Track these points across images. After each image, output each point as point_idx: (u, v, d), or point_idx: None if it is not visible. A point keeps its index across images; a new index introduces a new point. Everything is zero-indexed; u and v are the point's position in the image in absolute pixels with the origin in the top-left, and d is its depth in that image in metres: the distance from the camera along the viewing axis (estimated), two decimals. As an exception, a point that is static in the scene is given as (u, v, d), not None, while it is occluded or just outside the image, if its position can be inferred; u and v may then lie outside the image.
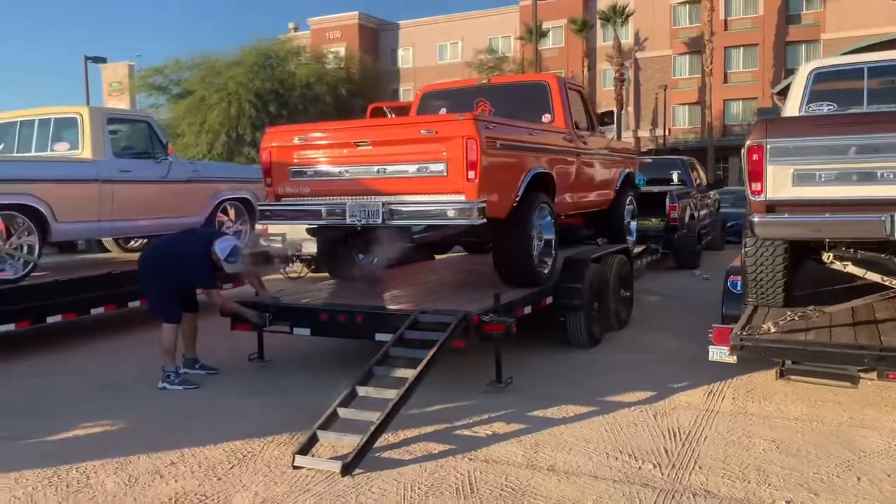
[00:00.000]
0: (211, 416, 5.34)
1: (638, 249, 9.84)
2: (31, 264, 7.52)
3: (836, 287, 6.14)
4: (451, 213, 5.69)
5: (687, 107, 45.75)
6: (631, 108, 47.00)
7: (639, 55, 46.51)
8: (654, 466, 4.24)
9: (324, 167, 6.31)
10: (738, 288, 6.30)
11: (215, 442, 4.74)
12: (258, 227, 10.57)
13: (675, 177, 14.19)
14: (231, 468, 4.34)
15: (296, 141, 6.40)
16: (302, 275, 12.03)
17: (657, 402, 5.43)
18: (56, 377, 6.58)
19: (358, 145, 6.10)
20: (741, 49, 43.88)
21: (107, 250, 10.56)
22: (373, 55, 50.58)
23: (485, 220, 5.73)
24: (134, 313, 8.45)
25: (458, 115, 5.83)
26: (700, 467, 4.21)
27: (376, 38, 54.67)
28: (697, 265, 13.15)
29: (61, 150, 8.34)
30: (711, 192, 16.31)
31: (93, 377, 6.51)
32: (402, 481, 4.08)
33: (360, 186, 6.13)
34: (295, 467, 4.28)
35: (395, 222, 5.94)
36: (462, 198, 5.72)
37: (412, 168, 5.94)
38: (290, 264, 11.58)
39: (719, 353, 5.37)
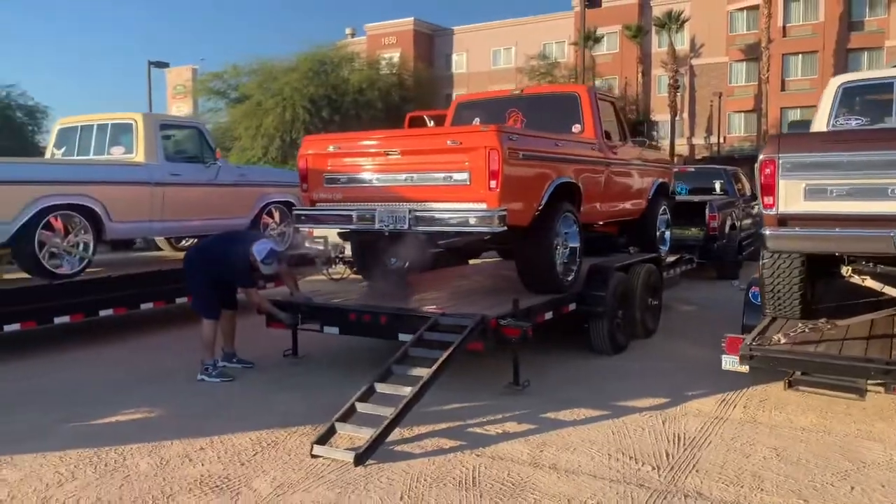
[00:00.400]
0: (242, 407, 5.69)
1: (671, 259, 9.93)
2: (87, 261, 8.04)
3: (858, 301, 6.18)
4: (472, 221, 5.95)
5: (743, 114, 45.02)
6: (686, 115, 46.46)
7: (694, 62, 45.95)
8: (653, 468, 4.41)
9: (355, 174, 6.63)
10: (758, 299, 6.39)
11: (243, 430, 5.08)
12: (304, 229, 10.99)
13: (717, 186, 14.11)
14: (254, 455, 4.67)
15: (330, 149, 6.74)
16: (344, 276, 12.40)
17: (668, 409, 5.57)
18: (104, 367, 7.05)
19: (387, 154, 6.41)
20: (800, 56, 42.98)
21: (159, 249, 11.12)
22: (427, 60, 51.16)
23: (505, 228, 5.96)
24: (181, 309, 8.90)
25: (481, 127, 6.08)
26: (697, 471, 4.36)
27: (431, 44, 55.25)
28: (737, 276, 13.04)
29: (117, 154, 8.87)
30: (756, 203, 16.14)
31: (137, 368, 6.96)
32: (410, 472, 4.34)
33: (388, 193, 6.43)
34: (313, 456, 4.58)
35: (420, 228, 6.22)
36: (484, 206, 5.96)
37: (438, 176, 6.21)
38: (333, 266, 11.95)
39: (731, 363, 5.50)
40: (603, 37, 46.16)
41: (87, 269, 8.11)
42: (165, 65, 31.48)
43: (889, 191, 4.85)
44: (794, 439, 4.89)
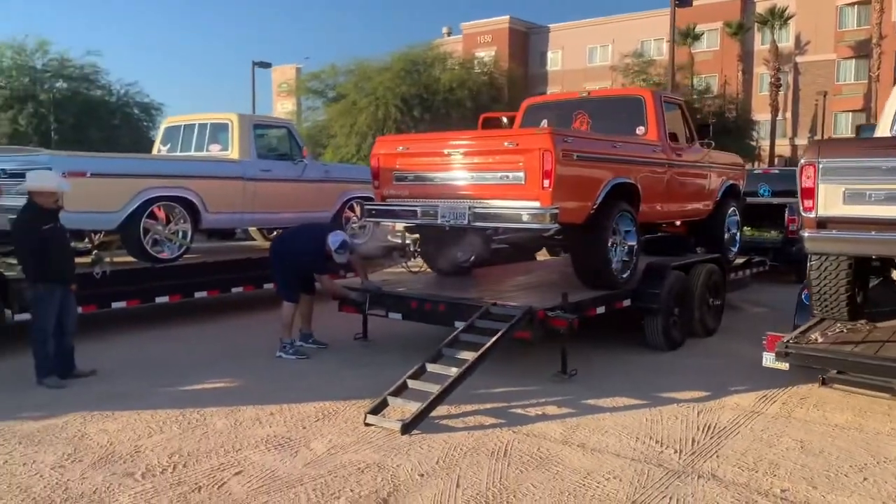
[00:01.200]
0: (312, 381, 6.31)
1: (739, 261, 9.99)
2: (185, 247, 8.91)
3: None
4: (525, 218, 6.36)
5: (850, 114, 43.04)
6: (788, 115, 44.84)
7: (799, 59, 44.28)
8: (675, 452, 4.71)
9: (421, 173, 7.14)
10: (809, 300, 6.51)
11: (309, 401, 5.68)
12: (386, 223, 11.61)
13: (800, 189, 13.85)
14: (316, 421, 5.25)
15: (399, 149, 7.29)
16: (422, 269, 12.97)
17: (707, 402, 5.81)
18: (196, 342, 7.86)
19: (450, 154, 6.89)
20: (914, 53, 40.70)
21: (252, 239, 12.02)
22: (522, 59, 51.35)
23: (556, 226, 6.33)
24: (268, 293, 9.68)
25: (536, 129, 6.48)
26: (717, 456, 4.64)
27: (526, 42, 55.38)
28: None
29: (215, 150, 9.73)
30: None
31: (225, 344, 7.73)
32: (449, 443, 4.82)
33: (451, 191, 6.92)
34: (366, 424, 5.13)
35: (478, 224, 6.68)
36: (537, 204, 6.35)
37: (496, 176, 6.65)
38: (413, 259, 12.52)
39: (770, 360, 5.69)
40: (703, 34, 45.09)
41: (185, 255, 8.97)
42: (268, 65, 33.08)
43: (927, 196, 4.96)
44: (822, 434, 5.07)
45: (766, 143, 40.30)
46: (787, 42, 44.01)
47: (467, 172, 6.84)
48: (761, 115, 42.90)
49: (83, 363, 6.45)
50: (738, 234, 10.06)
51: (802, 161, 5.40)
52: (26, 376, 6.13)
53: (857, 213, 5.23)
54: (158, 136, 10.70)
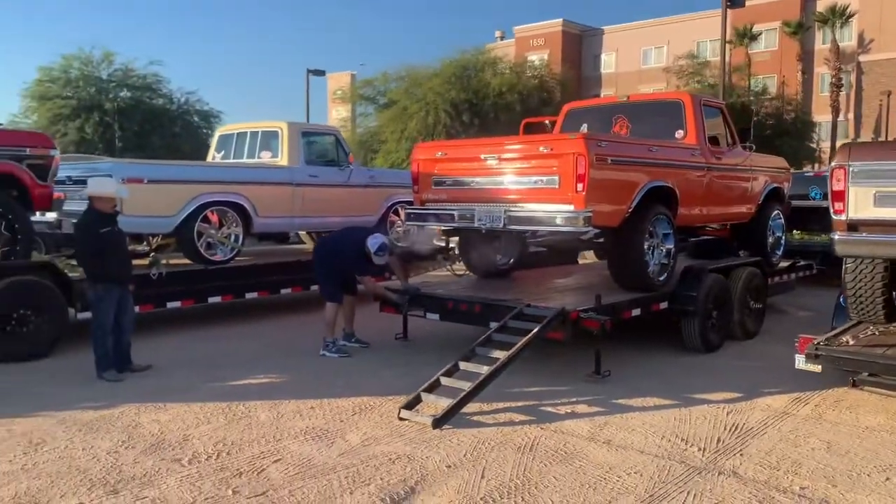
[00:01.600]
0: (352, 378, 6.57)
1: (783, 264, 9.92)
2: (236, 250, 9.31)
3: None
4: (559, 221, 6.51)
5: (917, 114, 41.56)
6: (850, 116, 43.55)
7: (862, 58, 42.96)
8: (700, 450, 4.81)
9: (459, 177, 7.36)
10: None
11: (348, 396, 5.94)
12: (432, 227, 11.86)
13: (853, 192, 13.59)
14: (353, 415, 5.50)
15: (438, 155, 7.52)
16: (467, 272, 13.17)
17: (738, 403, 5.87)
18: (245, 341, 8.22)
19: (487, 160, 7.08)
20: None
21: (302, 242, 12.41)
22: (575, 61, 51.10)
23: (590, 229, 6.47)
24: (315, 295, 10.01)
25: (570, 134, 6.62)
26: (741, 455, 4.72)
27: (579, 44, 55.08)
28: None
29: (265, 157, 10.13)
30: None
31: (272, 343, 8.07)
32: (478, 437, 5.01)
33: (487, 195, 7.11)
34: (400, 419, 5.35)
35: (513, 227, 6.86)
36: (571, 207, 6.50)
37: (531, 180, 6.82)
38: (457, 262, 12.74)
39: (802, 362, 5.72)
40: (760, 34, 44.19)
41: (237, 258, 9.37)
42: (322, 73, 33.71)
43: (957, 198, 4.95)
44: (851, 435, 5.09)
45: (826, 145, 39.26)
46: (849, 41, 42.78)
47: (504, 177, 7.02)
48: (822, 116, 41.79)
49: (139, 358, 6.85)
50: (783, 237, 9.98)
51: (833, 164, 5.44)
52: (87, 370, 6.55)
53: (888, 215, 5.24)
54: (213, 143, 11.18)
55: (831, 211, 5.49)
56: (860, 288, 6.03)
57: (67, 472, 4.39)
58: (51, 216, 8.54)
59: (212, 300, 8.87)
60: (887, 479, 4.33)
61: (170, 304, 8.44)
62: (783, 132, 34.38)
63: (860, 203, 5.32)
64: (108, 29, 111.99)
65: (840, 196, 5.39)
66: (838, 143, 39.37)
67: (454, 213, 7.26)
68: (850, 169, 5.32)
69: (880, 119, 41.07)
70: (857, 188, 5.32)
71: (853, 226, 5.38)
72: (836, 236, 5.45)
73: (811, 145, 35.69)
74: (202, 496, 4.05)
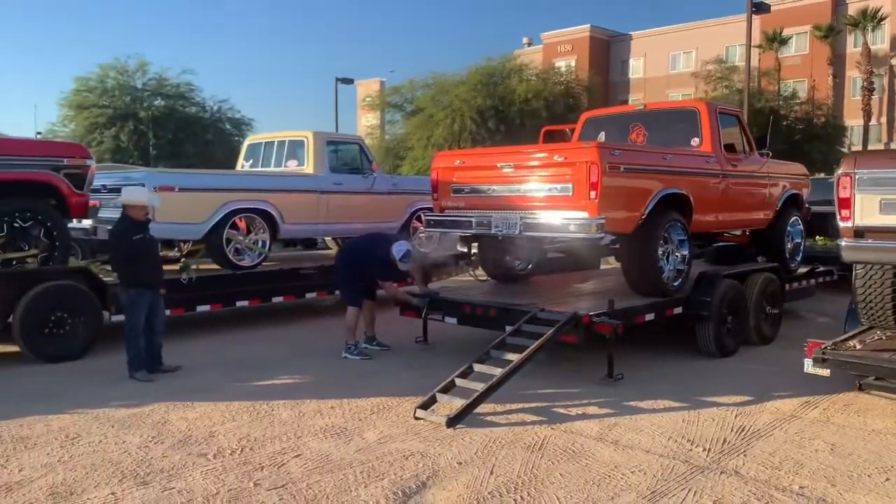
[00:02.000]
0: (372, 380, 6.80)
1: (802, 270, 9.97)
2: (263, 255, 9.61)
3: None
4: (573, 228, 6.69)
5: (950, 118, 40.90)
6: (883, 119, 42.97)
7: (895, 61, 42.38)
8: (705, 451, 4.95)
9: (476, 185, 7.57)
10: (859, 308, 6.57)
11: (367, 397, 6.17)
12: (453, 233, 12.09)
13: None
14: (371, 414, 5.73)
15: (456, 163, 7.75)
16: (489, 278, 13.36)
17: (747, 406, 5.98)
18: (270, 343, 8.51)
19: (503, 168, 7.28)
20: None
21: (329, 248, 12.70)
22: (602, 67, 51.06)
23: (603, 235, 6.64)
24: (338, 299, 10.29)
25: (584, 143, 6.80)
26: (745, 455, 4.85)
27: (607, 50, 55.01)
28: None
29: (292, 166, 10.43)
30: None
31: (296, 345, 8.34)
32: (490, 436, 5.20)
33: (503, 202, 7.32)
34: (416, 418, 5.57)
35: (528, 233, 7.05)
36: (585, 214, 6.67)
37: (546, 188, 7.01)
38: (478, 268, 12.93)
39: (810, 366, 5.83)
40: (791, 38, 43.81)
41: (264, 263, 9.67)
42: (350, 81, 34.25)
43: (961, 206, 5.04)
44: (856, 438, 5.19)
45: (858, 150, 38.76)
46: (881, 44, 42.23)
47: (519, 185, 7.22)
48: (854, 120, 41.30)
49: (170, 360, 7.16)
50: (802, 243, 10.03)
51: (839, 172, 5.55)
52: (120, 370, 6.87)
53: (894, 222, 5.34)
54: (241, 152, 11.52)
55: (838, 218, 5.60)
56: (870, 293, 6.13)
57: (101, 464, 4.67)
58: (87, 223, 8.92)
59: (240, 304, 9.18)
60: (887, 479, 4.44)
61: (199, 308, 8.76)
62: (813, 137, 34.07)
63: (866, 210, 5.43)
64: (143, 38, 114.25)
65: (846, 203, 5.51)
66: (871, 148, 38.91)
67: (472, 220, 7.47)
68: (857, 177, 5.43)
69: (914, 123, 40.47)
70: (862, 195, 5.43)
71: (859, 232, 5.49)
72: (843, 243, 5.56)
73: (842, 150, 35.28)
74: (225, 488, 4.30)
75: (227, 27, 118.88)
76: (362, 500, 4.14)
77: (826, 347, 5.63)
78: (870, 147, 40.12)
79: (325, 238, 12.33)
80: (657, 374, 7.05)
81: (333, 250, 12.40)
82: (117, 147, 29.75)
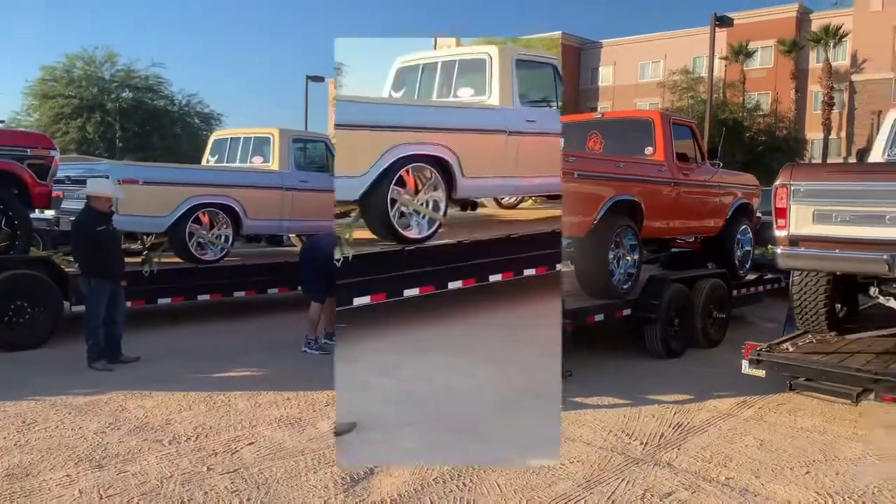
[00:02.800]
0: (330, 374, 6.84)
1: (750, 277, 10.34)
2: (226, 250, 9.71)
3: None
4: (526, 230, 6.92)
5: (907, 134, 42.07)
6: (843, 134, 44.13)
7: (855, 78, 43.55)
8: (642, 444, 5.22)
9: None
10: (799, 314, 6.90)
11: (324, 389, 6.31)
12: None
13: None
14: (326, 405, 5.91)
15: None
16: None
17: (687, 404, 6.27)
18: (231, 336, 8.65)
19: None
20: (976, 72, 39.73)
21: (293, 245, 12.80)
22: (573, 74, 51.65)
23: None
24: (300, 295, 10.42)
25: (540, 150, 7.02)
26: (679, 449, 5.13)
27: (578, 57, 55.66)
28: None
29: (257, 162, 10.54)
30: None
31: (256, 339, 8.50)
32: (439, 428, 5.41)
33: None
34: (368, 410, 5.75)
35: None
36: (538, 218, 6.92)
37: (503, 191, 7.23)
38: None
39: (747, 367, 6.14)
40: (756, 51, 44.81)
41: (226, 258, 9.78)
42: (321, 79, 34.23)
43: (885, 218, 5.37)
44: (785, 435, 5.50)
45: (817, 162, 39.76)
46: (842, 60, 43.41)
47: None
48: (814, 133, 42.43)
49: (130, 350, 7.26)
50: (752, 250, 10.39)
51: (776, 183, 5.85)
52: (79, 360, 6.96)
53: (825, 232, 5.66)
54: (207, 147, 11.58)
55: (774, 227, 5.91)
56: (805, 299, 6.46)
57: (57, 448, 4.80)
58: (49, 214, 8.97)
59: (201, 298, 9.29)
60: (807, 472, 4.74)
61: (161, 301, 8.85)
62: (775, 148, 34.94)
63: (800, 220, 5.74)
64: (113, 30, 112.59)
65: (783, 213, 5.82)
66: (830, 161, 39.93)
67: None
68: (792, 188, 5.74)
69: (871, 137, 41.58)
70: (797, 206, 5.74)
71: (794, 241, 5.80)
72: (779, 250, 5.87)
73: (803, 162, 36.20)
74: (179, 471, 4.45)
75: (199, 21, 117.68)
76: (311, 485, 4.32)
77: (761, 350, 5.94)
78: (829, 160, 41.15)
79: (290, 235, 12.44)
80: (604, 372, 7.32)
81: (298, 247, 12.54)
82: (83, 138, 29.45)
